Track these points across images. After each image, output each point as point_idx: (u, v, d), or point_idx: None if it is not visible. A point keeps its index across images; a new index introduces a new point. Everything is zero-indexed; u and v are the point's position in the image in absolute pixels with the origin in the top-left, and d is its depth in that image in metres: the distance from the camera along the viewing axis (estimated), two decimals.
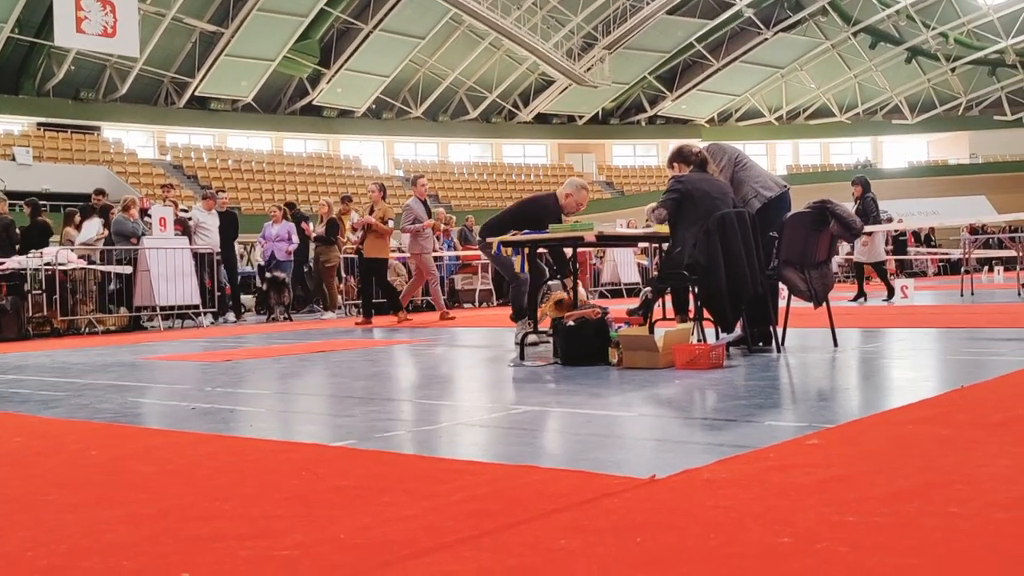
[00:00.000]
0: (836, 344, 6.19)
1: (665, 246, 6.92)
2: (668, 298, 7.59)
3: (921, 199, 40.73)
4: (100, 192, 14.34)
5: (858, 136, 51.14)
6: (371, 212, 12.33)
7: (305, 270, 16.70)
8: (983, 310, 10.32)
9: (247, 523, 2.23)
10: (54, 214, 24.14)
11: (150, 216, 13.35)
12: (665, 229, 6.38)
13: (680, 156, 6.40)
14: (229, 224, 14.60)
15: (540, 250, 7.71)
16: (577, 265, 7.26)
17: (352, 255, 15.98)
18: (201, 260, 13.62)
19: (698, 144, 6.69)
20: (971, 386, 4.09)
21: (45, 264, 11.78)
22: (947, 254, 26.43)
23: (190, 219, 14.13)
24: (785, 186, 6.61)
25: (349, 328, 11.59)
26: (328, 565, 1.86)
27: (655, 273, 8.38)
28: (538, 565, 1.80)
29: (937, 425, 3.23)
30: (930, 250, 26.98)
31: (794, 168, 49.35)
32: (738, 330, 6.23)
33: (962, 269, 16.40)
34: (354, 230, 12.04)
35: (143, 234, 12.93)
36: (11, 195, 25.06)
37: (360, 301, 13.34)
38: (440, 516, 2.21)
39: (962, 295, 13.54)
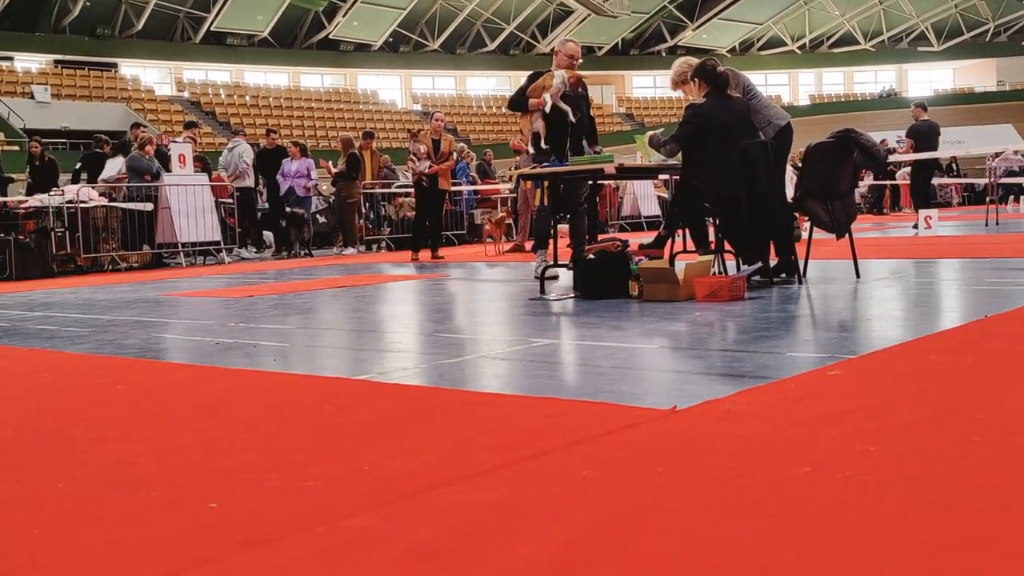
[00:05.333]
0: (858, 275, 6.16)
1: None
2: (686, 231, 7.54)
3: (946, 128, 40.03)
4: (136, 126, 14.46)
5: (883, 64, 50.24)
6: (433, 143, 12.09)
7: (326, 206, 16.72)
8: (1008, 239, 10.21)
9: (272, 455, 2.25)
10: (74, 152, 24.12)
11: (169, 152, 13.37)
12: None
13: (703, 73, 6.13)
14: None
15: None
16: (597, 198, 7.23)
17: (373, 191, 15.96)
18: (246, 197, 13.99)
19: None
20: (995, 316, 4.06)
21: (67, 202, 11.83)
22: (971, 182, 26.03)
23: (199, 158, 14.17)
24: (789, 117, 6.61)
25: (369, 263, 11.62)
26: (353, 496, 1.88)
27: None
28: (560, 495, 1.81)
29: (960, 355, 3.22)
30: (954, 179, 26.58)
31: (817, 98, 48.63)
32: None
33: (987, 199, 16.19)
34: (419, 159, 11.84)
35: (158, 172, 12.93)
36: (31, 133, 25.15)
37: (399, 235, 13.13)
38: (462, 448, 2.23)
39: (987, 225, 13.39)
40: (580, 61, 7.58)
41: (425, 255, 11.91)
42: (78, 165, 14.37)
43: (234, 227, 13.88)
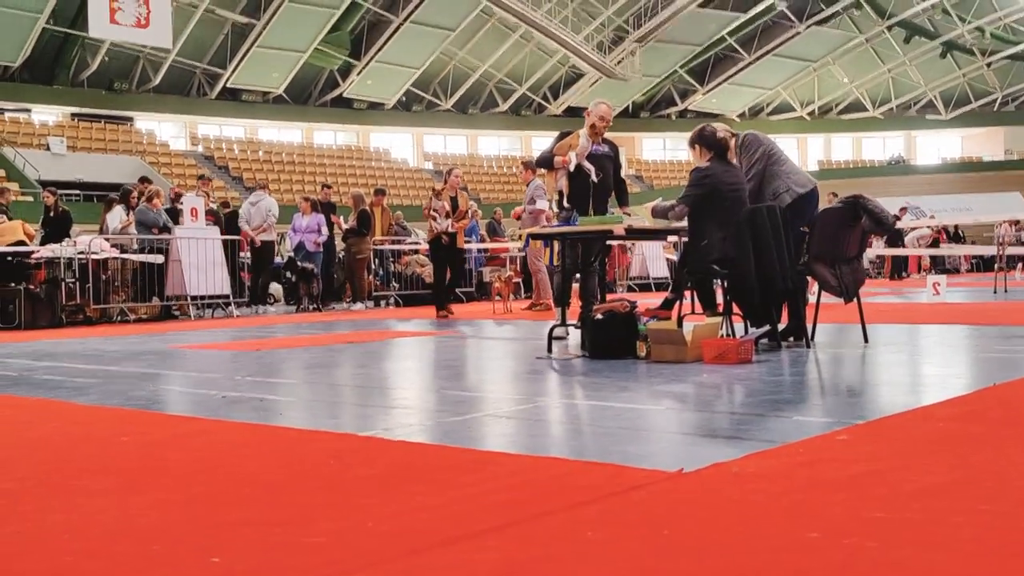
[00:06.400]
0: (866, 340, 6.14)
1: None
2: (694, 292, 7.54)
3: (954, 195, 40.24)
4: (144, 180, 14.63)
5: (891, 131, 50.62)
6: (451, 200, 12.18)
7: (336, 261, 16.81)
8: (1017, 307, 10.20)
9: (276, 510, 2.24)
10: (87, 203, 24.30)
11: (182, 205, 13.47)
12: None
13: (703, 140, 6.20)
14: None
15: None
16: (606, 259, 7.24)
17: (385, 247, 16.06)
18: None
19: (721, 128, 6.53)
20: (1004, 384, 4.04)
21: (78, 253, 11.91)
22: (980, 253, 26.13)
23: (211, 212, 14.26)
24: (815, 183, 6.58)
25: (377, 319, 11.63)
26: (356, 552, 1.87)
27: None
28: (564, 556, 1.80)
29: (968, 422, 3.21)
30: (964, 247, 26.67)
31: (826, 163, 48.91)
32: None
33: (995, 266, 16.19)
34: (435, 217, 11.94)
35: (166, 225, 13.02)
36: (45, 184, 25.44)
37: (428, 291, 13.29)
38: (467, 506, 2.22)
39: (995, 292, 13.38)
40: (609, 123, 7.69)
41: (430, 311, 11.96)
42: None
43: (243, 281, 13.93)
